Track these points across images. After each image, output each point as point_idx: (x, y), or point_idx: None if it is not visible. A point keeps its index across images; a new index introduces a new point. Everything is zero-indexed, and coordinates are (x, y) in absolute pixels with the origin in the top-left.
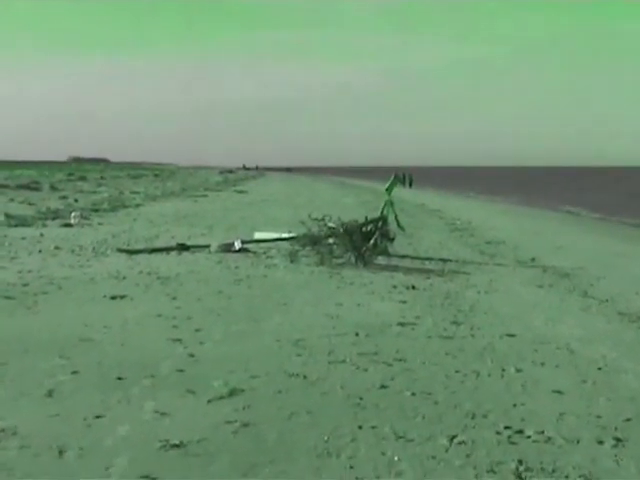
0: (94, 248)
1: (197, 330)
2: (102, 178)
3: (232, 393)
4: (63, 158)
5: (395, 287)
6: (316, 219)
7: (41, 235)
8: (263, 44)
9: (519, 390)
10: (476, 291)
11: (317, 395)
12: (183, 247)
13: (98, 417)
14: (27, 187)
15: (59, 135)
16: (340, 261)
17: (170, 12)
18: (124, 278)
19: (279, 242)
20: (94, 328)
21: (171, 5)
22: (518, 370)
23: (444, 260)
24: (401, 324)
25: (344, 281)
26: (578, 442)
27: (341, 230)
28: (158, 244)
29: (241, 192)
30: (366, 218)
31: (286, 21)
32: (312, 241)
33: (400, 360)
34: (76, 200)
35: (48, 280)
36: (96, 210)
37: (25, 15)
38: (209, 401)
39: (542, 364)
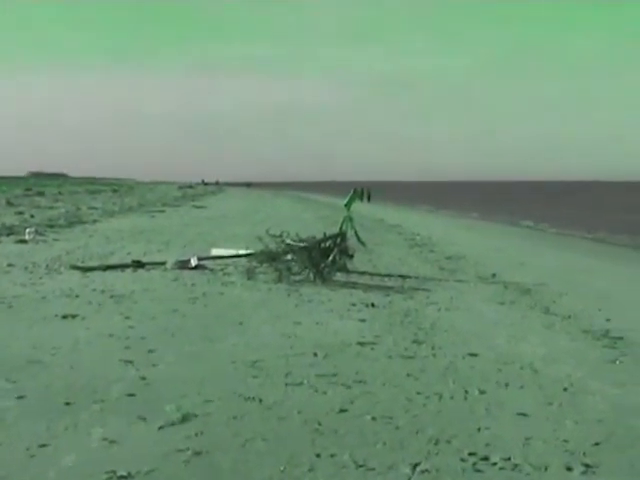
0: (47, 265)
1: (150, 351)
2: (60, 193)
3: (185, 419)
4: (22, 173)
5: (354, 305)
6: (274, 235)
7: None
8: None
9: (483, 413)
10: (437, 309)
11: (274, 420)
12: (138, 264)
13: (42, 446)
14: None
15: (19, 150)
16: (298, 278)
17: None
18: (77, 296)
19: (236, 259)
20: (43, 349)
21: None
22: (481, 392)
23: (404, 277)
24: (360, 344)
25: (302, 299)
26: (546, 469)
27: (299, 246)
28: (113, 261)
29: (200, 207)
30: (324, 234)
31: (238, 35)
32: (270, 258)
33: (360, 382)
34: (32, 216)
35: None
36: (51, 226)
37: None
38: (160, 427)
39: (506, 385)
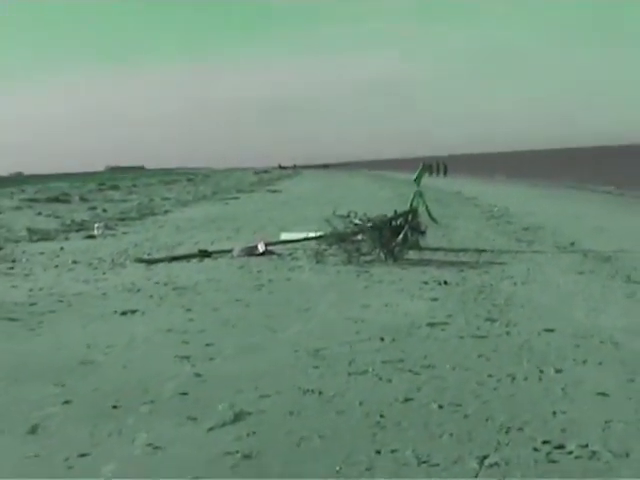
0: (113, 260)
1: (208, 345)
2: (134, 186)
3: (237, 418)
4: (100, 168)
5: (426, 283)
6: (341, 216)
7: (61, 249)
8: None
9: (559, 395)
10: (512, 283)
11: (332, 414)
12: (205, 254)
13: (82, 455)
14: (56, 200)
15: (95, 145)
16: (369, 258)
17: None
18: (138, 291)
19: (306, 242)
20: (97, 349)
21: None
22: (558, 371)
23: (479, 250)
24: (431, 324)
25: (372, 280)
26: (627, 455)
27: (368, 225)
28: (181, 251)
29: (274, 192)
30: (395, 211)
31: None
32: (338, 239)
33: (428, 367)
34: (104, 210)
35: (58, 297)
36: (122, 219)
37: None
38: (210, 429)
39: (584, 362)
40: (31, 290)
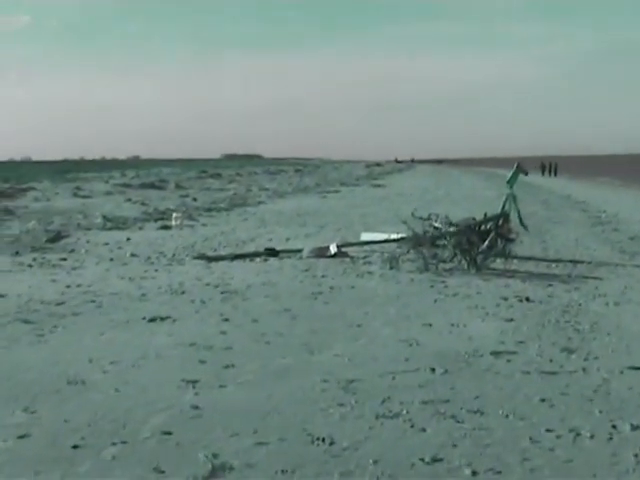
0: (174, 255)
1: (227, 367)
2: (238, 175)
3: (213, 474)
4: (217, 156)
5: (505, 299)
6: (421, 217)
7: (127, 239)
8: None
9: (630, 464)
10: (604, 302)
11: (335, 477)
12: (272, 252)
13: None
14: (151, 186)
15: (213, 133)
16: (449, 266)
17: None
18: (182, 293)
19: (386, 245)
20: (98, 365)
21: None
22: (635, 427)
23: (575, 262)
24: (496, 353)
25: (446, 292)
26: None
27: (449, 229)
28: (253, 248)
29: (378, 186)
30: (485, 215)
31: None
32: (417, 243)
33: (476, 412)
34: (195, 199)
35: (92, 297)
36: (209, 209)
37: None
38: None
39: None
40: (68, 287)
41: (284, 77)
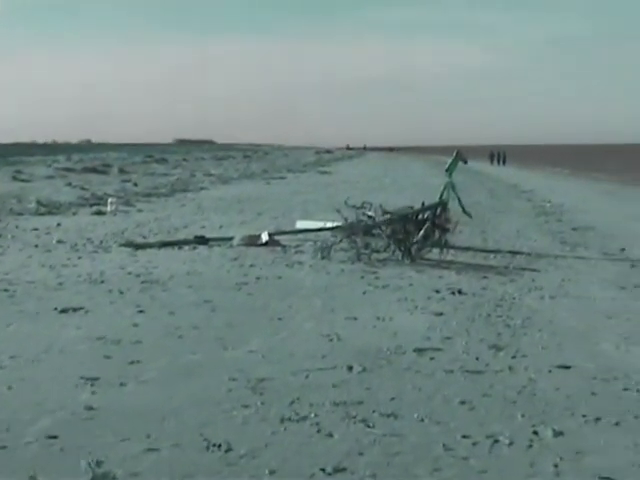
0: (101, 242)
1: (132, 363)
2: (184, 160)
3: None
4: (168, 140)
5: (437, 292)
6: (354, 206)
7: (58, 225)
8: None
9: (549, 475)
10: (539, 296)
11: None
12: (201, 240)
13: None
14: (94, 170)
15: (165, 117)
16: (383, 256)
17: None
18: (102, 282)
19: (321, 233)
20: None
21: None
22: (557, 434)
23: (514, 253)
24: (419, 350)
25: (376, 283)
26: None
27: (383, 219)
28: (184, 235)
29: (324, 173)
30: (423, 204)
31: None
32: (353, 232)
33: (389, 416)
34: (135, 184)
35: (6, 285)
36: (149, 195)
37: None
38: None
39: (597, 420)
40: None
41: (242, 64)
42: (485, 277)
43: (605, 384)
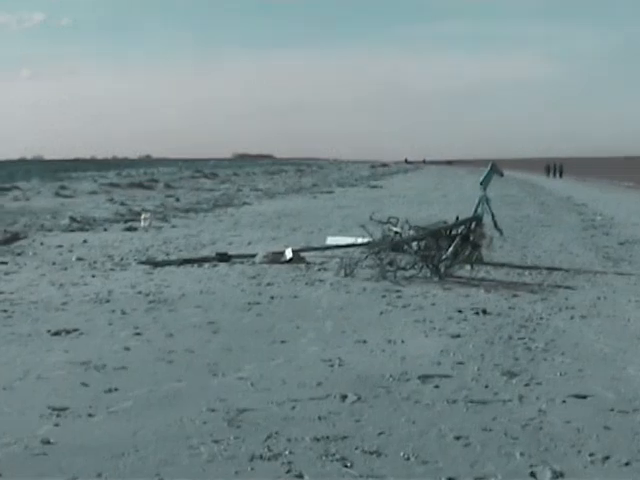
0: (122, 259)
1: (109, 391)
2: (235, 174)
3: None
4: (228, 155)
5: (460, 312)
6: (380, 221)
7: (84, 242)
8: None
9: None
10: (569, 316)
11: None
12: (223, 257)
13: None
14: (140, 185)
15: (226, 132)
16: (410, 274)
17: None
18: (107, 302)
19: (351, 249)
20: None
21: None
22: (556, 475)
23: (551, 269)
24: (425, 377)
25: (397, 302)
26: None
27: (412, 234)
28: (210, 251)
29: (374, 187)
30: (457, 218)
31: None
32: (382, 249)
33: (373, 453)
34: (178, 199)
35: (7, 305)
36: (187, 210)
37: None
38: None
39: (605, 459)
40: None
41: (298, 77)
42: (515, 295)
43: (622, 417)
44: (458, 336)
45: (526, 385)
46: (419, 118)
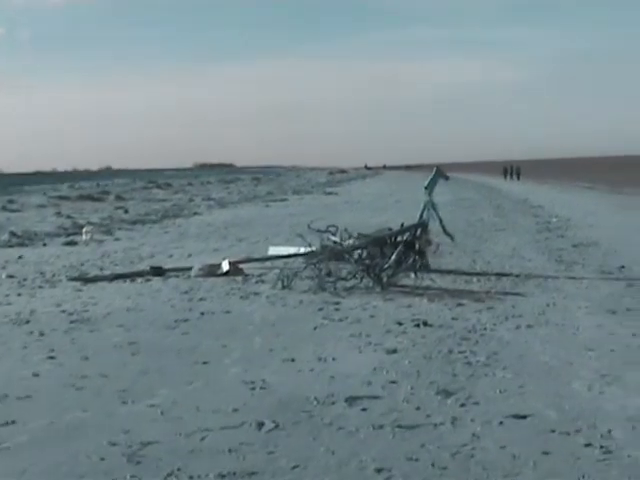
0: (54, 275)
1: (5, 424)
2: (189, 184)
3: None
4: (188, 165)
5: (400, 324)
6: (319, 230)
7: (19, 258)
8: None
9: None
10: (515, 325)
11: None
12: (158, 271)
13: None
14: (90, 198)
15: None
16: (351, 284)
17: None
18: (26, 322)
19: (292, 259)
20: None
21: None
22: None
23: (501, 275)
24: (353, 399)
25: (334, 316)
26: None
27: (349, 243)
28: (144, 265)
29: (330, 194)
30: (402, 225)
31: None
32: (323, 258)
33: None
34: (126, 211)
35: None
36: (135, 222)
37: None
38: None
39: None
40: None
41: (263, 84)
42: (460, 304)
43: (564, 439)
44: (394, 351)
45: (462, 405)
46: (381, 124)
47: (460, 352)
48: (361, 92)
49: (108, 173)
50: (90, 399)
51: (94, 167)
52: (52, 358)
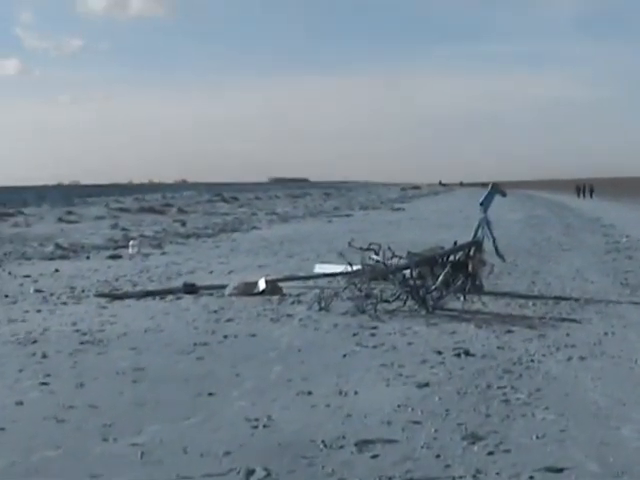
0: (83, 291)
1: None
2: (256, 198)
3: None
4: (264, 179)
5: (439, 353)
6: (361, 248)
7: (55, 271)
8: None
9: None
10: (566, 357)
11: None
12: (190, 289)
13: None
14: (152, 210)
15: (263, 156)
16: (393, 306)
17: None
18: (33, 342)
19: (336, 278)
20: None
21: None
22: None
23: (560, 298)
24: (365, 443)
25: (368, 342)
26: None
27: (396, 262)
28: (180, 282)
29: (396, 210)
30: (455, 243)
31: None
32: (367, 278)
33: None
34: (184, 224)
35: None
36: (189, 236)
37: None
38: None
39: None
40: None
41: (336, 101)
42: (509, 331)
43: None
44: (426, 385)
45: (489, 454)
46: (456, 140)
47: (499, 387)
48: (431, 109)
49: (182, 186)
50: (68, 434)
51: (169, 180)
52: (45, 384)
